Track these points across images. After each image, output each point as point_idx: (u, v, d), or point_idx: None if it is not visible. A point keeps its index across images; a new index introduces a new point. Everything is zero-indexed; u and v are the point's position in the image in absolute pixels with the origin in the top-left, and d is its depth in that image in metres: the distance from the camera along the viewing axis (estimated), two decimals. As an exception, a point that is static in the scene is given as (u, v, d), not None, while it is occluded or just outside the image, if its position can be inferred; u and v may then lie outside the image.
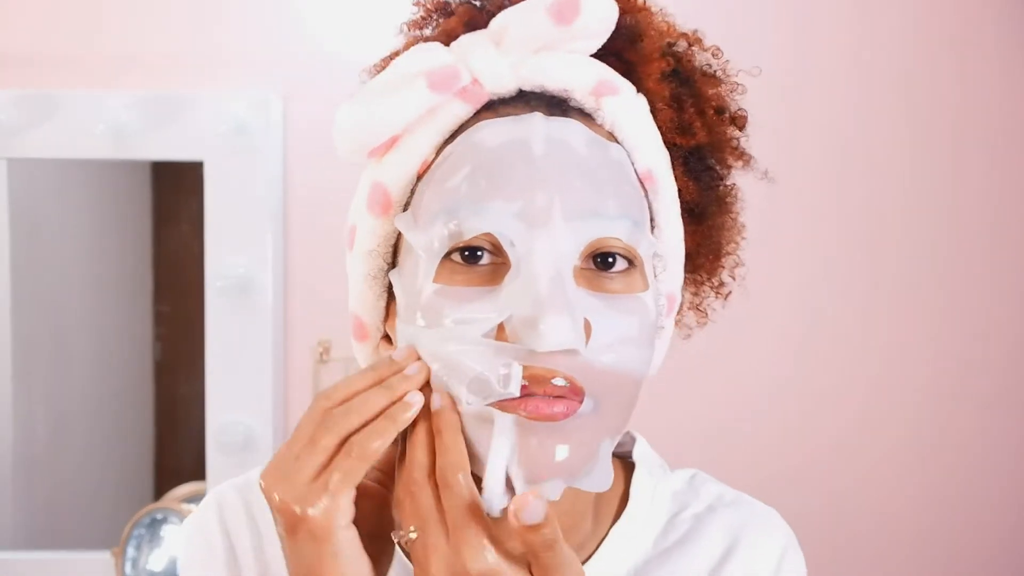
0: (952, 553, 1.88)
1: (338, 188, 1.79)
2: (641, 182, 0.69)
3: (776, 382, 1.86)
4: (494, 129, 0.65)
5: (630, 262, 0.65)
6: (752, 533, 0.78)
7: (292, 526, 0.62)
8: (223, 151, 1.79)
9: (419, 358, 0.64)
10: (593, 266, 0.64)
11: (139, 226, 1.97)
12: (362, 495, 0.64)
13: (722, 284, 0.80)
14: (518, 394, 0.60)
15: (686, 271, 0.77)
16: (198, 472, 1.85)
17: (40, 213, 1.95)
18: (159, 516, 1.80)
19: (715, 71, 0.76)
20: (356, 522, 0.63)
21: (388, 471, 0.67)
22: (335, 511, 0.61)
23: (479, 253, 0.63)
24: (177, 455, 1.97)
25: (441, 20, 0.75)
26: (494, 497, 0.61)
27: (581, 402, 0.61)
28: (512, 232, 0.62)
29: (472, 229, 0.62)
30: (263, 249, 1.81)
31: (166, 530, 1.79)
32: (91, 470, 1.99)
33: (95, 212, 2.00)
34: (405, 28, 0.76)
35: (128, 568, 1.78)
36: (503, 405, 0.61)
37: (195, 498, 1.85)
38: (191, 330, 1.85)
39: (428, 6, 0.75)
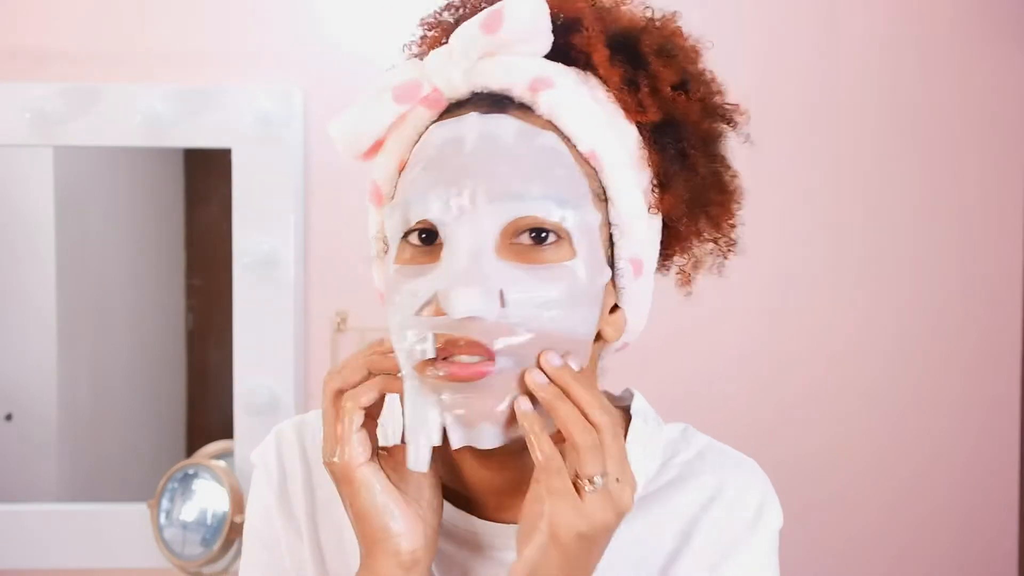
0: (915, 508, 1.91)
1: (354, 173, 1.82)
2: (587, 162, 0.74)
3: (749, 348, 1.89)
4: (438, 131, 0.74)
5: (558, 235, 0.70)
6: (735, 481, 0.83)
7: (335, 478, 0.75)
8: (249, 139, 1.82)
9: (391, 349, 0.73)
10: (529, 240, 0.70)
11: (173, 208, 1.98)
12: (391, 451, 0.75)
13: (729, 240, 0.82)
14: (433, 355, 0.68)
15: (673, 235, 0.81)
16: (226, 431, 1.88)
17: (83, 196, 1.96)
18: (191, 471, 1.85)
19: (671, 50, 0.78)
20: (386, 466, 0.74)
21: None
22: (350, 454, 0.72)
23: (424, 236, 0.72)
24: (207, 416, 1.99)
25: (431, 36, 0.82)
26: (420, 454, 0.71)
27: (492, 361, 0.68)
28: (444, 216, 0.69)
29: (415, 216, 0.71)
30: (286, 228, 1.84)
31: (197, 484, 1.84)
32: (129, 429, 2.01)
33: (133, 195, 2.01)
34: (405, 49, 0.84)
35: (162, 519, 1.83)
36: (427, 372, 0.69)
37: (224, 455, 1.88)
38: (220, 302, 1.86)
39: (425, 25, 0.83)
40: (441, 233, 0.70)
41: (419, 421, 0.71)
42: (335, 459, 0.73)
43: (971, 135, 1.89)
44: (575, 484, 0.68)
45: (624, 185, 0.75)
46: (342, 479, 0.74)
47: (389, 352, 0.73)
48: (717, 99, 0.80)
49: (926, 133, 1.89)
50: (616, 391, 0.91)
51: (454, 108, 0.76)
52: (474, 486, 0.82)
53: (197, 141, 1.84)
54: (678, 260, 0.84)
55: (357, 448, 0.73)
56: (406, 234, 0.73)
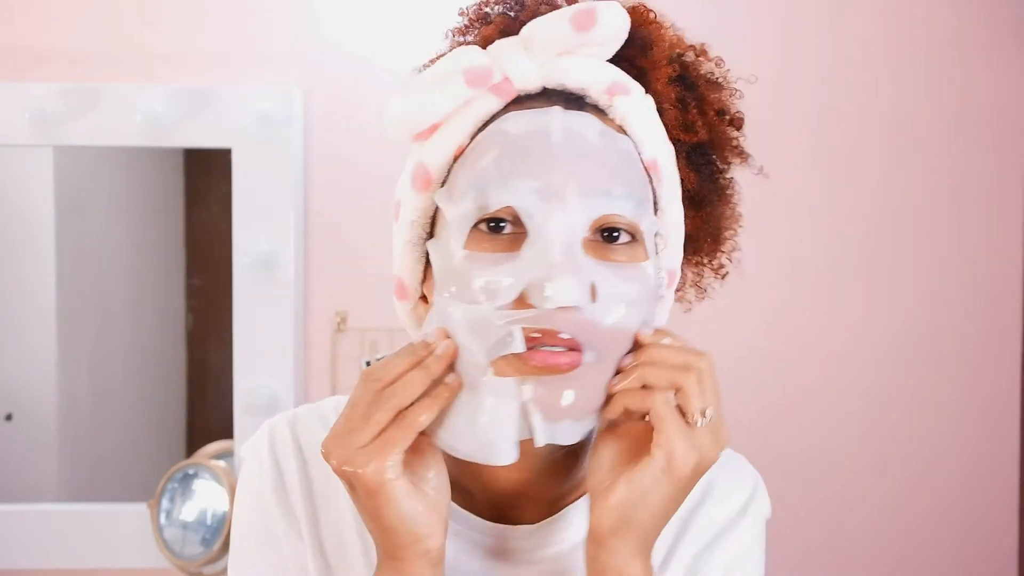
0: (915, 508, 1.92)
1: (353, 174, 1.86)
2: (647, 170, 0.76)
3: (748, 348, 1.91)
4: (519, 119, 0.73)
5: (633, 236, 0.72)
6: (725, 477, 0.85)
7: (349, 483, 0.71)
8: (249, 139, 1.82)
9: (447, 336, 0.71)
10: (601, 239, 0.71)
11: (172, 208, 1.98)
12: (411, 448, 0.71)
13: (721, 266, 0.85)
14: (523, 350, 0.67)
15: (688, 253, 0.83)
16: (226, 431, 1.87)
17: (83, 196, 1.96)
18: (191, 471, 1.85)
19: (717, 79, 0.82)
20: (407, 467, 0.70)
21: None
22: (384, 469, 0.68)
23: (502, 224, 0.70)
24: (207, 416, 1.98)
25: (481, 28, 0.81)
26: (503, 450, 0.69)
27: (581, 353, 0.68)
28: (531, 206, 0.69)
29: (497, 202, 0.70)
30: (285, 228, 1.83)
31: (197, 484, 1.84)
32: (129, 429, 2.01)
33: (133, 195, 2.01)
34: (450, 34, 0.83)
35: (163, 519, 1.83)
36: (511, 366, 0.68)
37: (224, 455, 1.87)
38: (220, 302, 1.86)
39: (471, 16, 0.82)
40: (527, 223, 0.69)
41: (503, 415, 0.69)
42: (361, 470, 0.69)
43: (972, 137, 1.91)
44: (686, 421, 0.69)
45: (673, 197, 0.78)
46: (368, 491, 0.70)
47: (443, 354, 0.71)
48: (743, 131, 0.83)
49: (927, 135, 1.90)
50: None
51: (523, 100, 0.76)
52: (489, 486, 0.81)
53: (197, 141, 1.84)
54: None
55: (394, 463, 0.70)
56: (479, 222, 0.71)
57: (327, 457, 0.71)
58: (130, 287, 2.02)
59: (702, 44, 0.83)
